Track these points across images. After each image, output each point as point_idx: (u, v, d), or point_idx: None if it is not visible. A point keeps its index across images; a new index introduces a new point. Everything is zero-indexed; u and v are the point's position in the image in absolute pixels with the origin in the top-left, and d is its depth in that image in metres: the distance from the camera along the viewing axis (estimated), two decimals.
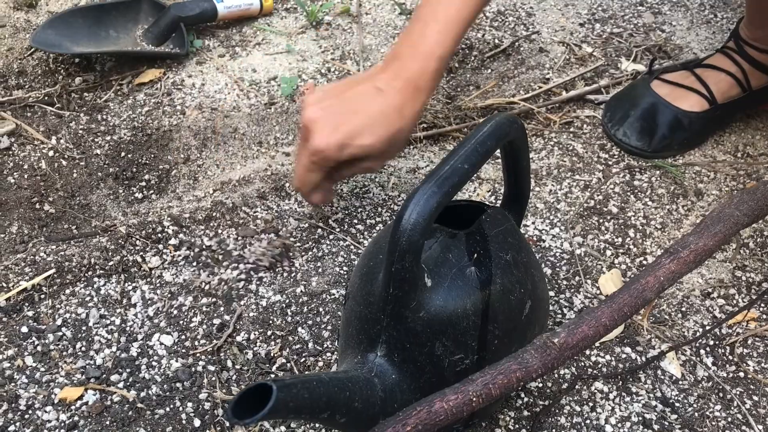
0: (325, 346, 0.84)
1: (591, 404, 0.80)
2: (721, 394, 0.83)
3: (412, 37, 0.82)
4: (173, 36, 1.22)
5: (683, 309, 0.90)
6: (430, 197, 0.60)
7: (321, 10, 1.32)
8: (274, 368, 0.82)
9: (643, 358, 0.85)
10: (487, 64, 1.27)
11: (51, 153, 1.06)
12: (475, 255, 0.67)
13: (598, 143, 1.11)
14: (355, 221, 0.98)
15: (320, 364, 0.83)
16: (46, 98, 1.14)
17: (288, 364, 0.82)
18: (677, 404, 0.81)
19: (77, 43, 1.16)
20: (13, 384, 0.79)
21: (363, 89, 0.82)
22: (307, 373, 0.82)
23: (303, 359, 0.83)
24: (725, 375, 0.84)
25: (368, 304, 0.66)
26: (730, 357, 0.86)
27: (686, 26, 1.35)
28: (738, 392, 0.83)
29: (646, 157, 1.09)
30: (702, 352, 0.86)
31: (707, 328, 0.87)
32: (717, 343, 0.87)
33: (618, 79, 1.22)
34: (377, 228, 0.97)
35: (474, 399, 0.58)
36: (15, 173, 1.03)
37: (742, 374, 0.84)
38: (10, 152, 1.06)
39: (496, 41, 1.30)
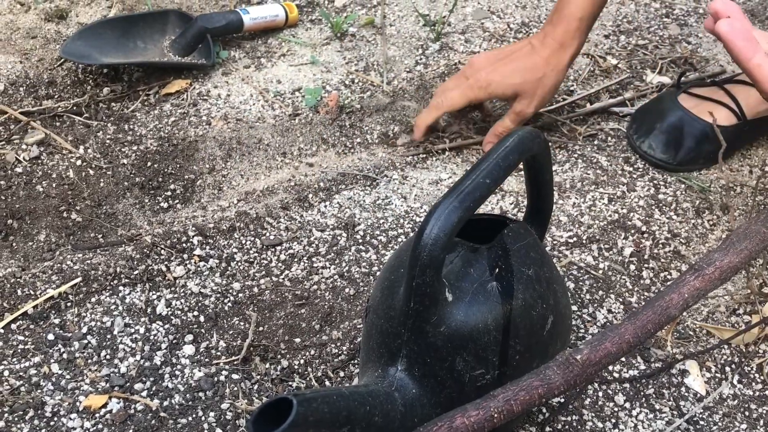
0: (350, 356, 0.84)
1: (613, 420, 0.80)
2: (747, 413, 0.81)
3: (559, 4, 1.03)
4: (200, 47, 1.24)
5: (708, 325, 0.89)
6: (451, 212, 0.60)
7: (345, 22, 1.33)
8: (296, 379, 0.82)
9: (667, 374, 0.84)
10: None
11: (79, 162, 1.08)
12: (497, 270, 0.67)
13: (623, 156, 1.11)
14: (377, 233, 0.98)
15: (342, 374, 0.83)
16: (74, 108, 1.16)
17: (309, 376, 0.82)
18: (701, 422, 0.80)
19: (106, 54, 1.18)
20: (39, 391, 0.80)
21: (520, 46, 1.06)
22: (327, 386, 0.82)
23: (325, 370, 0.83)
24: (751, 393, 0.83)
25: (389, 318, 0.66)
26: (757, 375, 0.85)
27: (712, 38, 1.33)
28: (765, 411, 0.81)
29: (671, 170, 1.08)
30: (727, 369, 0.85)
31: (725, 338, 0.86)
32: (743, 360, 0.86)
33: (643, 92, 1.21)
34: (399, 240, 0.97)
35: (495, 415, 0.58)
36: (43, 182, 1.05)
37: None
38: (39, 161, 1.08)
39: None
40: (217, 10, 1.35)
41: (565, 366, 0.61)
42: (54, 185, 1.05)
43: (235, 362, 0.83)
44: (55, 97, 1.18)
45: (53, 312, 0.88)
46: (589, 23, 1.03)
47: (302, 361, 0.84)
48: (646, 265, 0.95)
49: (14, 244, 0.98)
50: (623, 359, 0.85)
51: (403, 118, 1.17)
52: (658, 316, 0.64)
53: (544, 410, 0.80)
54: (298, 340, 0.86)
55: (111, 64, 1.19)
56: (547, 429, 0.79)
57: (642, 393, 0.82)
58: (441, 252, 0.60)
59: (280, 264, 0.94)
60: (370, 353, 0.68)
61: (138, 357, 0.84)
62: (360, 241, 0.97)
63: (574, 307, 0.90)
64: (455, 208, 0.60)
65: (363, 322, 0.74)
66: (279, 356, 0.85)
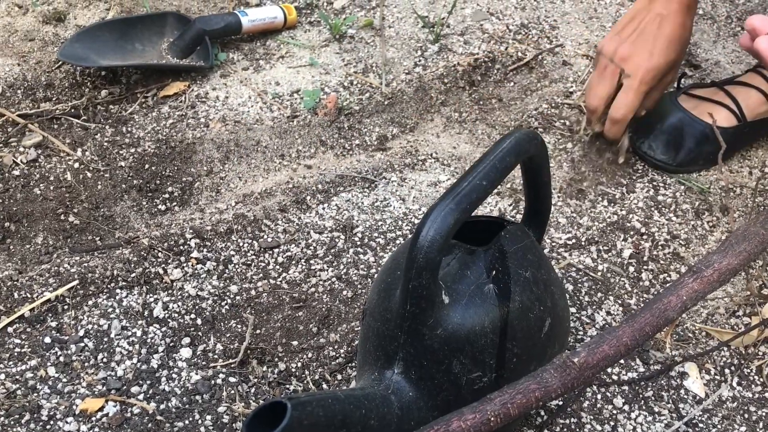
0: (348, 359, 0.84)
1: (612, 423, 0.79)
2: (746, 415, 0.81)
3: None
4: (198, 49, 1.24)
5: (708, 327, 0.89)
6: (447, 214, 0.60)
7: (344, 24, 1.33)
8: (294, 382, 0.82)
9: (666, 376, 0.83)
10: (510, 78, 1.26)
11: (76, 165, 1.08)
12: (494, 272, 0.67)
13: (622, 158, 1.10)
14: (376, 235, 0.98)
15: (339, 377, 0.83)
16: (72, 110, 1.16)
17: (307, 379, 0.82)
18: (701, 425, 0.80)
19: (104, 56, 1.18)
20: (35, 394, 0.80)
21: (649, 19, 1.00)
22: (324, 389, 0.81)
23: (323, 373, 0.83)
24: (751, 395, 0.83)
25: (385, 320, 0.66)
26: (757, 377, 0.84)
27: (713, 39, 1.33)
28: (765, 413, 0.81)
29: (670, 171, 1.08)
30: (727, 371, 0.85)
31: (724, 340, 0.86)
32: (742, 362, 0.86)
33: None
34: (398, 242, 0.97)
35: (492, 419, 0.58)
36: (41, 185, 1.05)
37: None
38: (37, 164, 1.08)
39: (519, 54, 1.29)
40: (216, 12, 1.35)
41: (562, 369, 0.60)
42: (51, 188, 1.04)
43: (233, 365, 0.83)
44: (53, 99, 1.18)
45: (50, 315, 0.88)
46: None
47: (299, 364, 0.84)
48: (645, 267, 0.95)
49: (11, 247, 0.98)
50: (622, 361, 0.84)
51: (401, 120, 1.17)
52: (656, 319, 0.64)
53: (543, 413, 0.80)
54: (295, 342, 0.86)
55: (109, 66, 1.19)
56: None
57: (641, 395, 0.82)
58: (437, 254, 0.60)
59: (277, 266, 0.94)
60: (366, 356, 0.68)
61: (135, 360, 0.84)
62: (358, 243, 0.97)
63: (573, 309, 0.90)
64: (451, 210, 0.60)
65: (360, 324, 0.73)
66: (276, 359, 0.84)
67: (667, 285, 0.92)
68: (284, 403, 0.50)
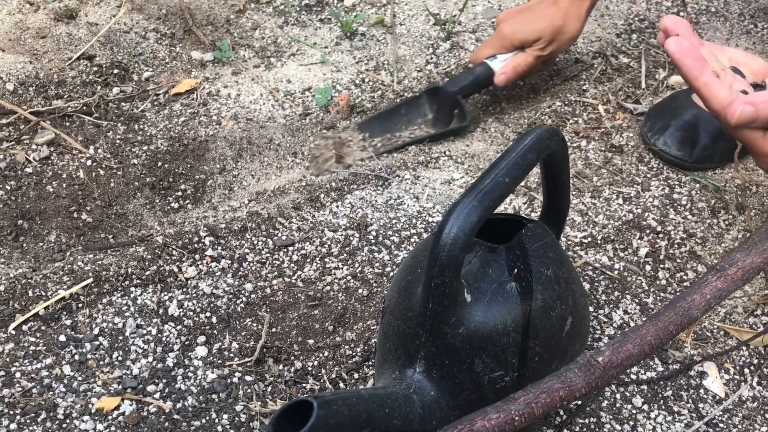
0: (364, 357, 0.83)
1: (632, 423, 0.79)
2: (767, 415, 0.80)
3: None
4: (456, 112, 1.15)
5: (726, 326, 0.88)
6: (470, 211, 0.59)
7: (355, 21, 1.33)
8: (310, 381, 0.81)
9: (685, 376, 0.83)
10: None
11: (89, 162, 1.07)
12: (516, 270, 0.66)
13: (636, 155, 1.10)
14: (390, 233, 0.97)
15: (356, 376, 0.82)
16: (84, 108, 1.16)
17: (323, 378, 0.82)
18: (721, 425, 0.79)
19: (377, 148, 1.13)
20: (51, 393, 0.80)
21: (543, 4, 1.12)
22: (342, 388, 0.81)
23: (339, 372, 0.82)
24: None
25: (406, 319, 0.65)
26: None
27: (725, 36, 1.32)
28: None
29: (686, 168, 1.07)
30: (746, 371, 0.84)
31: (744, 340, 0.85)
32: (762, 362, 0.85)
33: (656, 90, 1.20)
34: (412, 240, 0.97)
35: (516, 418, 0.57)
36: (54, 182, 1.04)
37: None
38: (50, 161, 1.07)
39: None
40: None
41: (586, 368, 0.60)
42: (64, 185, 1.04)
43: (248, 364, 0.83)
44: (65, 97, 1.17)
45: (64, 313, 0.87)
46: None
47: (316, 363, 0.83)
48: (661, 266, 0.94)
49: (25, 245, 0.98)
50: (642, 361, 0.84)
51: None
52: (680, 318, 0.63)
53: (562, 412, 0.79)
54: (311, 341, 0.85)
55: (386, 150, 1.12)
56: (565, 431, 0.78)
57: (660, 395, 0.81)
58: (460, 252, 0.59)
59: (292, 264, 0.94)
60: (387, 355, 0.68)
61: (150, 358, 0.83)
62: (372, 241, 0.96)
63: (590, 308, 0.89)
64: (474, 207, 0.60)
65: (379, 323, 0.73)
66: (292, 358, 0.84)
67: (687, 283, 0.91)
68: (310, 401, 0.49)
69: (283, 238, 0.97)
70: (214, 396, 0.80)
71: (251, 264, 0.93)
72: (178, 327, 0.86)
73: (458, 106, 1.15)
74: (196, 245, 0.95)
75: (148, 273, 0.91)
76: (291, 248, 0.95)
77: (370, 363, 0.83)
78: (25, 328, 0.86)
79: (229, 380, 0.81)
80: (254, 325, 0.87)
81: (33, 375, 0.81)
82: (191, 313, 0.88)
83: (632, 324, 0.87)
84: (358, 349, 0.84)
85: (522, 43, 1.12)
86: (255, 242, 0.96)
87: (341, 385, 0.82)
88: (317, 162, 1.08)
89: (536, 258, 0.67)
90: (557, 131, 0.69)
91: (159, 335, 0.85)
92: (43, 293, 0.89)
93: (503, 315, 0.64)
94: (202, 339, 0.85)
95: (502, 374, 0.64)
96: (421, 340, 0.64)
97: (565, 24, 1.11)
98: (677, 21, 0.68)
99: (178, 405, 0.79)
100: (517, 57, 1.13)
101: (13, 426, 0.76)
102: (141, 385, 0.81)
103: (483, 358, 0.64)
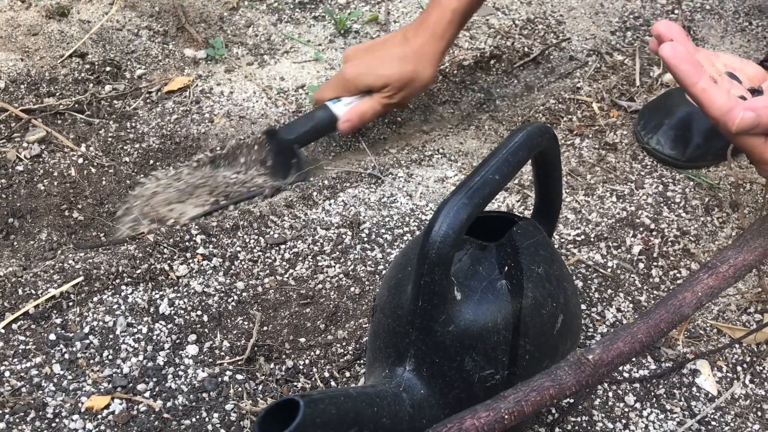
0: (356, 355, 0.83)
1: (624, 421, 0.78)
2: (759, 413, 0.80)
3: None
4: (294, 162, 1.05)
5: (719, 323, 0.88)
6: (460, 209, 0.59)
7: (349, 19, 1.32)
8: (301, 379, 0.81)
9: (677, 374, 0.82)
10: (516, 73, 1.25)
11: (80, 160, 1.07)
12: (506, 268, 0.66)
13: (630, 152, 1.09)
14: (383, 231, 0.97)
15: (347, 375, 0.82)
16: (76, 106, 1.15)
17: (315, 376, 0.81)
18: (713, 422, 0.79)
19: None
20: (40, 391, 0.79)
21: (393, 36, 1.04)
22: (333, 387, 0.81)
23: (331, 370, 0.82)
24: (764, 393, 0.82)
25: (396, 317, 0.65)
26: None
27: (720, 34, 1.32)
28: None
29: (679, 166, 1.07)
30: (739, 369, 0.84)
31: (737, 338, 0.85)
32: (755, 360, 0.85)
33: (650, 88, 1.20)
34: (405, 238, 0.96)
35: (506, 416, 0.57)
36: (45, 180, 1.04)
37: None
38: (41, 159, 1.07)
39: (526, 49, 1.28)
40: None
41: (576, 366, 0.59)
42: (55, 183, 1.04)
43: (239, 362, 0.82)
44: (57, 94, 1.17)
45: (55, 312, 0.87)
46: (463, 16, 1.02)
47: (307, 361, 0.83)
48: (655, 264, 0.94)
49: (15, 243, 0.97)
50: (633, 359, 0.84)
51: (407, 115, 1.16)
52: (672, 315, 0.63)
53: (554, 411, 0.79)
54: (303, 339, 0.85)
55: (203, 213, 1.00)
56: (557, 430, 0.77)
57: (652, 393, 0.81)
58: (450, 250, 0.59)
59: (284, 263, 0.93)
60: (377, 353, 0.67)
61: (141, 357, 0.83)
62: (365, 239, 0.96)
63: (583, 306, 0.89)
64: (464, 204, 0.59)
65: (370, 321, 0.72)
66: (284, 356, 0.83)
67: (680, 281, 0.91)
68: (297, 400, 0.49)
69: (275, 236, 0.96)
70: (204, 395, 0.79)
71: (243, 262, 0.93)
72: (169, 325, 0.86)
73: (295, 155, 1.04)
74: (187, 243, 0.95)
75: (139, 271, 0.91)
76: (283, 246, 0.95)
77: (362, 361, 0.83)
78: (14, 326, 0.85)
79: (219, 379, 0.81)
80: (245, 323, 0.86)
81: (22, 374, 0.81)
82: (182, 311, 0.87)
83: (625, 322, 0.87)
84: (350, 348, 0.84)
85: (368, 87, 1.02)
86: (247, 240, 0.95)
87: (332, 383, 0.81)
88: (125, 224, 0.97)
89: (527, 255, 0.67)
90: (548, 128, 0.69)
91: (149, 334, 0.85)
92: (34, 292, 0.88)
93: (493, 313, 0.63)
94: (193, 337, 0.85)
95: (492, 372, 0.64)
96: (411, 338, 0.63)
97: (416, 70, 1.00)
98: (670, 26, 0.65)
99: (169, 404, 0.78)
100: (362, 103, 1.03)
101: (1, 425, 0.76)
102: (131, 384, 0.80)
103: (473, 356, 0.63)
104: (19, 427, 0.76)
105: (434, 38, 1.00)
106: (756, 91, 0.69)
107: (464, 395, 0.64)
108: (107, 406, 0.78)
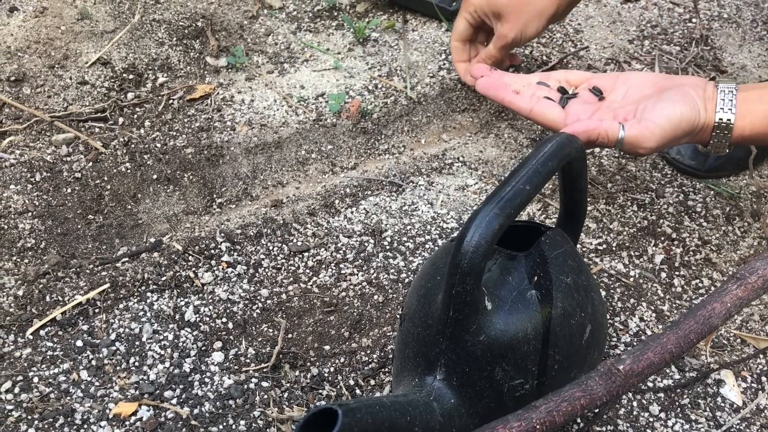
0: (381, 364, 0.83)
1: (649, 431, 0.79)
2: None
3: None
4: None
5: (743, 333, 0.88)
6: (492, 219, 0.60)
7: (368, 27, 1.33)
8: (326, 387, 0.82)
9: (702, 384, 0.82)
10: None
11: (104, 166, 1.08)
12: (535, 277, 0.66)
13: (650, 162, 1.10)
14: (405, 239, 0.97)
15: (372, 383, 0.82)
16: (99, 113, 1.16)
17: (339, 384, 0.82)
18: None
19: None
20: (68, 398, 0.80)
21: None
22: (358, 395, 0.81)
23: (356, 378, 0.82)
24: None
25: (426, 326, 0.65)
26: None
27: (738, 43, 1.32)
28: None
29: (700, 176, 1.07)
30: (764, 379, 0.84)
31: (761, 348, 0.85)
32: None
33: None
34: (427, 246, 0.97)
35: (537, 426, 0.57)
36: (69, 185, 1.05)
37: None
38: (66, 163, 1.08)
39: (544, 58, 1.29)
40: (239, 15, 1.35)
41: (607, 376, 0.60)
42: (79, 189, 1.04)
43: (265, 370, 0.83)
44: (81, 101, 1.18)
45: (81, 318, 0.88)
46: None
47: (332, 369, 0.83)
48: (677, 273, 0.94)
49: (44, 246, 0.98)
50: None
51: (427, 123, 1.16)
52: (701, 326, 0.63)
53: (579, 420, 0.79)
54: (327, 347, 0.85)
55: None
56: None
57: (677, 403, 0.81)
58: (482, 260, 0.59)
59: (307, 270, 0.94)
60: (406, 362, 0.68)
61: (167, 364, 0.83)
62: (387, 247, 0.96)
63: (606, 315, 0.89)
64: (496, 215, 0.60)
65: (397, 330, 0.73)
66: (309, 364, 0.84)
67: (702, 291, 0.91)
68: (335, 409, 0.49)
69: (299, 243, 0.97)
70: (231, 402, 0.80)
71: (267, 270, 0.94)
72: (195, 332, 0.86)
73: None
74: (212, 251, 0.95)
75: (164, 278, 0.92)
76: (306, 254, 0.96)
77: (387, 369, 0.83)
78: (42, 333, 0.86)
79: (245, 386, 0.81)
80: (270, 330, 0.87)
81: (50, 380, 0.81)
82: (207, 318, 0.88)
83: (648, 331, 0.87)
84: (374, 356, 0.84)
85: (485, 15, 1.05)
86: (270, 248, 0.96)
87: (357, 391, 0.82)
88: None
89: (556, 265, 0.68)
90: (576, 138, 0.69)
91: (175, 341, 0.85)
92: (60, 298, 0.89)
93: (524, 323, 0.64)
94: (218, 344, 0.85)
95: (521, 382, 0.64)
96: (441, 347, 0.64)
97: None
98: (480, 67, 0.97)
99: (196, 411, 0.79)
100: (483, 51, 1.09)
101: (31, 431, 0.77)
102: (158, 391, 0.81)
103: (503, 366, 0.64)
104: None
105: None
106: (563, 90, 0.89)
107: (494, 405, 0.64)
108: (135, 413, 0.79)
